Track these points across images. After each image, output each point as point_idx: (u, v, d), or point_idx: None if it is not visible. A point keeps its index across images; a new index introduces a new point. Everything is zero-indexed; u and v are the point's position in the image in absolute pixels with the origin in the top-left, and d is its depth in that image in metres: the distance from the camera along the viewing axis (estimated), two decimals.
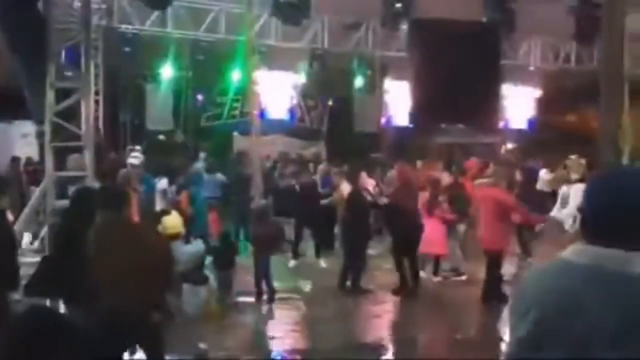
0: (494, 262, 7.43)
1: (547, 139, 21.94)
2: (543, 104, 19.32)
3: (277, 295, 7.82)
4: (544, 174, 12.84)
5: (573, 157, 11.32)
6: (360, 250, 8.40)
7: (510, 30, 11.60)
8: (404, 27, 11.62)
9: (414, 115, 11.40)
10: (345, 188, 9.38)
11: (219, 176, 10.99)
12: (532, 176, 11.93)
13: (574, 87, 17.77)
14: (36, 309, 2.12)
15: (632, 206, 1.64)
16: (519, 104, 18.75)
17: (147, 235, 4.73)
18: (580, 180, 7.88)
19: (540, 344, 1.64)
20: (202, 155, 13.81)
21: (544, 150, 21.11)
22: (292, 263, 9.82)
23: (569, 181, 8.05)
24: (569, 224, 7.62)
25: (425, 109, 10.51)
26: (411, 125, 16.59)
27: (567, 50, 16.15)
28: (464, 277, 8.85)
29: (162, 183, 9.63)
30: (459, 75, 9.87)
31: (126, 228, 4.51)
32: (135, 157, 9.50)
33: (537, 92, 18.46)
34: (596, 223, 1.72)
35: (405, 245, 8.06)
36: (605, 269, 1.63)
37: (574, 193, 7.59)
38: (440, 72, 10.06)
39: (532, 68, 16.24)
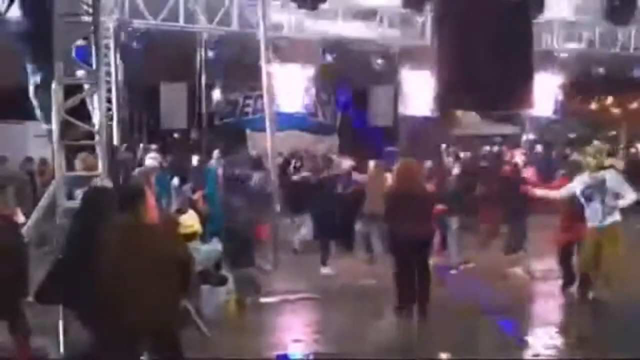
0: None
1: (570, 127, 21.48)
2: (566, 91, 18.82)
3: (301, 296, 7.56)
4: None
5: (596, 142, 10.86)
6: None
7: (540, 9, 11.16)
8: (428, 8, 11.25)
9: (439, 100, 10.96)
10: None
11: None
12: None
13: (598, 72, 17.26)
14: None
15: None
16: (540, 91, 18.23)
17: (166, 236, 4.44)
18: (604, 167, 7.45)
19: None
20: (216, 153, 13.57)
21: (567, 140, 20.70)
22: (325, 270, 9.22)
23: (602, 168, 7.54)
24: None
25: (452, 93, 10.09)
26: (434, 114, 16.16)
27: (590, 34, 15.69)
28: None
29: (174, 182, 9.43)
30: (489, 58, 9.47)
31: (144, 229, 4.24)
32: (153, 158, 9.30)
33: (560, 79, 17.93)
34: None
35: None
36: None
37: (615, 181, 7.13)
38: (468, 54, 9.66)
39: (555, 53, 15.79)
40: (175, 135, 18.83)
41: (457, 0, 10.18)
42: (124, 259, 4.02)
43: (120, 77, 12.42)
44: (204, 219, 7.70)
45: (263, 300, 7.50)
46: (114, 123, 11.68)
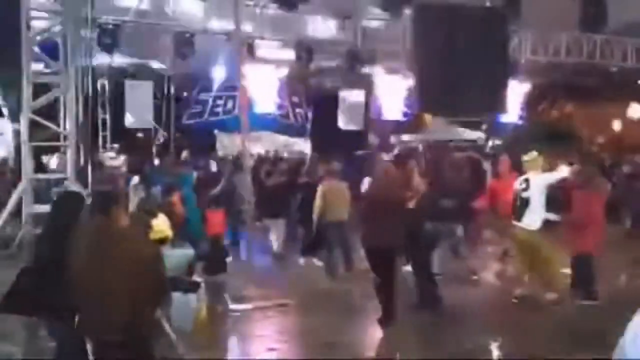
0: None
1: (533, 133, 21.86)
2: (532, 98, 19.17)
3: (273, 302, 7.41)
4: None
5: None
6: None
7: (515, 16, 11.32)
8: (407, 11, 11.25)
9: (415, 103, 11.04)
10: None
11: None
12: None
13: (564, 81, 17.64)
14: None
15: None
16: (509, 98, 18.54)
17: (138, 241, 4.29)
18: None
19: None
20: (184, 154, 13.35)
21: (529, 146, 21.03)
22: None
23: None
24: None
25: (428, 97, 10.17)
26: (405, 117, 16.26)
27: (557, 43, 15.97)
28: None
29: (134, 180, 9.21)
30: (464, 63, 9.58)
31: (115, 234, 4.08)
32: (114, 158, 9.03)
33: (526, 86, 18.25)
34: None
35: None
36: None
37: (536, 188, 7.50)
38: (444, 58, 9.74)
39: (522, 61, 16.02)
40: (140, 134, 18.46)
41: (434, 6, 10.26)
42: (95, 265, 3.87)
43: (91, 75, 12.06)
44: (181, 224, 7.53)
45: (236, 307, 7.35)
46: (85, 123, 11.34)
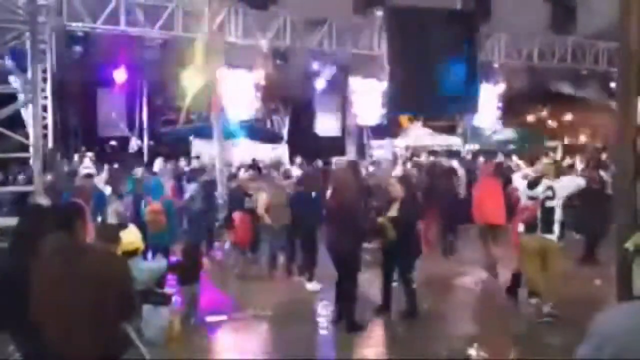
0: None
1: (510, 138, 22.03)
2: (506, 102, 19.30)
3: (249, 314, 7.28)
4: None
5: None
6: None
7: (485, 19, 11.42)
8: (379, 13, 11.27)
9: (389, 106, 11.11)
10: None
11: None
12: None
13: (536, 84, 17.81)
14: None
15: None
16: (482, 102, 18.63)
17: (103, 257, 4.14)
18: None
19: None
20: (158, 162, 13.14)
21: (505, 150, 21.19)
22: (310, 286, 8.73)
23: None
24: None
25: (401, 100, 10.23)
26: (382, 123, 16.27)
27: (530, 47, 16.12)
28: None
29: (106, 190, 9.03)
30: (435, 65, 9.66)
31: (78, 251, 3.92)
32: (87, 167, 8.84)
33: (500, 89, 18.38)
34: None
35: None
36: None
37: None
38: (415, 61, 9.80)
39: (496, 65, 16.14)
40: (113, 143, 18.21)
41: (404, 9, 10.32)
42: (58, 282, 3.71)
43: (56, 84, 11.84)
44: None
45: (210, 319, 7.19)
46: (49, 132, 11.12)
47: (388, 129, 19.55)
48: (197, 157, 14.85)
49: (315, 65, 15.18)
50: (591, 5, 12.09)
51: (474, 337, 6.44)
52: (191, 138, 17.42)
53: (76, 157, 13.59)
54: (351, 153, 18.27)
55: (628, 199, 5.01)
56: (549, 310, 6.86)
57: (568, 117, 26.31)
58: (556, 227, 6.85)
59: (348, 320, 6.77)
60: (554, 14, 12.42)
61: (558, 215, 6.84)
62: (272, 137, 19.17)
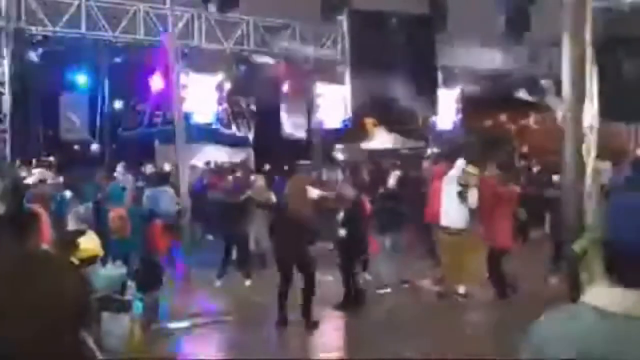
0: None
1: (469, 142, 22.35)
2: (466, 106, 19.60)
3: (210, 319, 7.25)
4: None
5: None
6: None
7: (443, 25, 11.69)
8: (341, 18, 11.39)
9: (353, 109, 11.34)
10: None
11: (169, 190, 10.18)
12: None
13: (496, 89, 18.14)
14: None
15: None
16: (443, 106, 18.90)
17: (57, 265, 4.07)
18: None
19: None
20: (120, 167, 12.95)
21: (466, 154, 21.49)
22: (218, 283, 9.05)
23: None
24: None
25: (363, 104, 10.44)
26: (348, 127, 16.37)
27: (492, 53, 16.47)
28: None
29: (66, 196, 8.90)
30: (396, 69, 9.88)
31: (31, 259, 3.85)
32: (39, 173, 8.68)
33: (460, 94, 18.67)
34: (631, 260, 1.40)
35: None
36: None
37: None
38: (377, 67, 10.01)
39: (456, 70, 16.41)
40: (76, 147, 17.89)
41: (366, 15, 10.48)
42: (10, 292, 3.64)
43: (14, 88, 11.60)
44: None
45: (171, 325, 7.14)
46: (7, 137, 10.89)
47: (354, 133, 19.65)
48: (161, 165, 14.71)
49: (279, 69, 15.19)
50: (544, 12, 12.46)
51: None
52: (156, 143, 17.23)
53: (34, 162, 13.32)
54: (317, 157, 18.32)
55: (575, 199, 5.28)
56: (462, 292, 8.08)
57: (524, 122, 26.84)
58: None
59: (307, 319, 7.03)
60: (507, 22, 12.77)
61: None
62: (238, 141, 19.08)
